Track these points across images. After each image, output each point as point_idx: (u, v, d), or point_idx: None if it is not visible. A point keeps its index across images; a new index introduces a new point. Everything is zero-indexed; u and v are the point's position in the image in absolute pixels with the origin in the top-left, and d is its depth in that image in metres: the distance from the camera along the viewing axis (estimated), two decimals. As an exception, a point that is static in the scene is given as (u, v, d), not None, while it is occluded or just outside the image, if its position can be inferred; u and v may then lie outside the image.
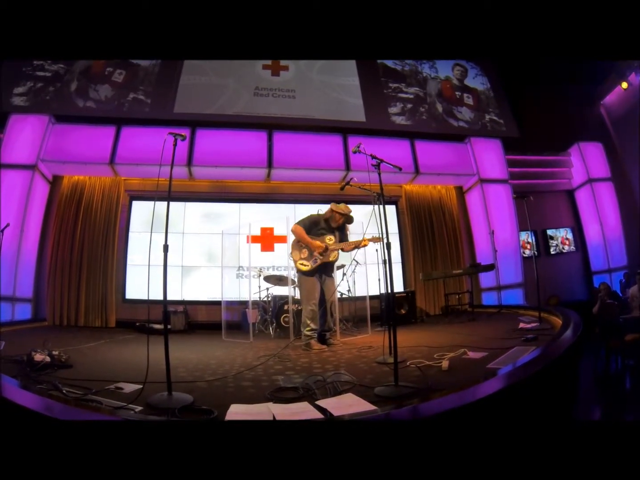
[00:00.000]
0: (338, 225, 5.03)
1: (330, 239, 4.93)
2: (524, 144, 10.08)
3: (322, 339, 4.79)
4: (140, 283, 7.98)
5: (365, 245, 4.82)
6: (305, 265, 4.85)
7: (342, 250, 4.96)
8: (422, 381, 2.68)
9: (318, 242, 4.85)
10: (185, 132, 3.03)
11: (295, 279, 5.33)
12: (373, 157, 3.35)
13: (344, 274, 6.80)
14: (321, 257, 4.83)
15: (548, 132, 10.26)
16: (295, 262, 4.93)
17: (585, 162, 10.39)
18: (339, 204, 5.05)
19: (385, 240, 3.03)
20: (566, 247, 10.41)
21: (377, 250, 4.41)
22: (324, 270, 4.96)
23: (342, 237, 5.06)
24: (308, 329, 4.73)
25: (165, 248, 2.68)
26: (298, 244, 4.97)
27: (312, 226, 4.97)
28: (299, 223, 5.02)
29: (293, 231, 5.02)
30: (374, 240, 4.75)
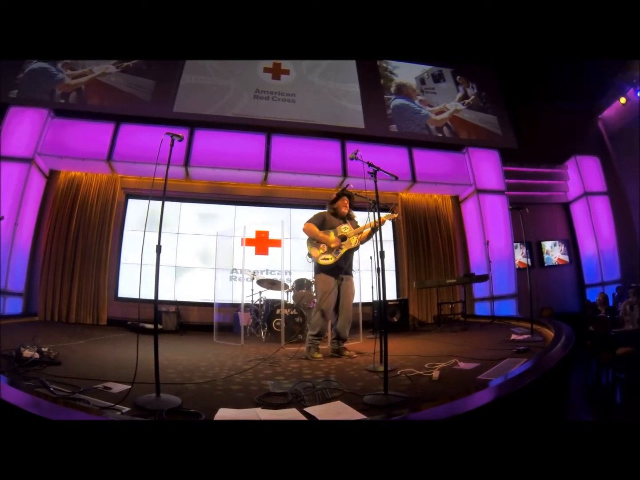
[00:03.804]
0: (347, 214, 4.79)
1: (345, 228, 4.65)
2: (521, 155, 10.14)
3: (336, 349, 4.53)
4: (133, 281, 7.95)
5: (382, 224, 4.42)
6: (327, 259, 4.53)
7: (360, 236, 4.60)
8: (412, 391, 2.67)
9: (332, 237, 4.56)
10: (183, 132, 3.02)
11: (289, 283, 5.21)
12: (370, 164, 3.34)
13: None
14: (342, 246, 4.55)
15: (546, 145, 10.33)
16: (316, 259, 4.58)
17: (581, 175, 10.47)
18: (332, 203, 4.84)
19: (379, 249, 3.02)
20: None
21: (371, 257, 4.31)
22: (344, 265, 4.60)
23: (354, 226, 4.77)
24: (312, 333, 4.49)
25: (158, 249, 2.65)
26: (313, 241, 4.64)
27: (323, 222, 4.70)
28: (310, 221, 4.71)
29: (305, 230, 4.68)
30: (389, 217, 4.52)
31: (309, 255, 4.71)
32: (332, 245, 4.54)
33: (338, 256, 4.54)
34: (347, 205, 4.78)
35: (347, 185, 4.50)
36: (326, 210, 4.87)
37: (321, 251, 4.58)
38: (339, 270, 4.57)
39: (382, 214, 4.31)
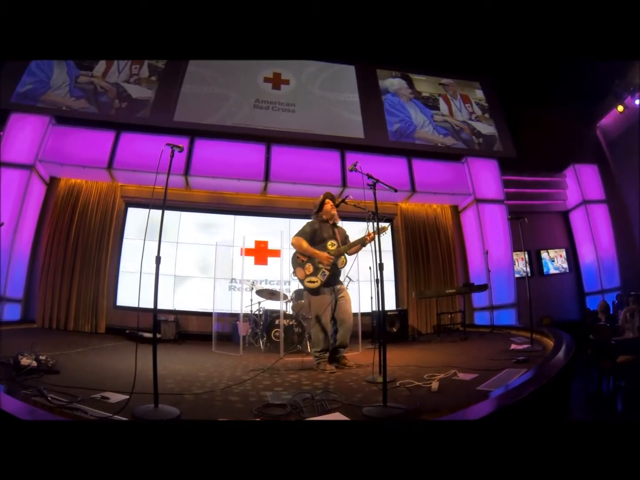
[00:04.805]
0: (333, 221, 4.65)
1: (332, 244, 4.49)
2: (520, 164, 10.15)
3: (332, 357, 4.44)
4: (132, 290, 7.91)
5: (371, 240, 4.18)
6: (314, 282, 4.38)
7: (348, 253, 4.52)
8: (411, 402, 2.66)
9: (325, 254, 4.39)
10: (183, 142, 3.04)
11: (288, 294, 5.16)
12: (369, 176, 3.35)
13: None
14: (328, 268, 4.39)
15: (544, 153, 10.35)
16: (302, 281, 4.46)
17: (580, 183, 10.49)
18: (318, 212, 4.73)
19: (377, 261, 3.02)
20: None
21: (370, 267, 4.20)
22: (334, 279, 4.50)
23: (342, 235, 4.69)
24: (316, 350, 4.40)
25: (158, 259, 2.65)
26: (298, 260, 4.49)
27: (314, 234, 4.52)
28: (299, 234, 4.53)
29: (294, 244, 4.52)
30: (382, 230, 4.19)
31: (294, 274, 4.59)
32: (323, 264, 4.41)
33: (325, 278, 4.42)
34: (333, 205, 4.68)
35: (347, 196, 4.48)
36: (315, 221, 4.69)
37: (307, 272, 4.44)
38: (329, 285, 4.49)
39: (370, 230, 4.22)
